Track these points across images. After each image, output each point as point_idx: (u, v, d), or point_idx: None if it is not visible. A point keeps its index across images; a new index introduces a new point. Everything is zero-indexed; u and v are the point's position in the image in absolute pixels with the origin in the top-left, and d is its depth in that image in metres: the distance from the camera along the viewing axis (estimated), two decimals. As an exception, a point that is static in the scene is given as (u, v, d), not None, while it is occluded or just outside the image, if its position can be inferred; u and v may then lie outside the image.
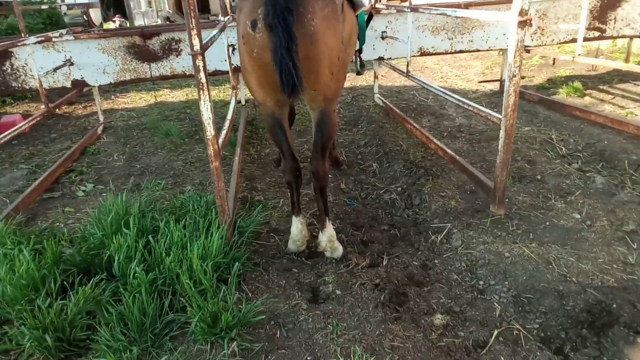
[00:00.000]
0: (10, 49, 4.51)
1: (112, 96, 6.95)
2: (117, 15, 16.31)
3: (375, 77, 5.80)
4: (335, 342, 2.12)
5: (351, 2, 2.94)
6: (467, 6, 5.20)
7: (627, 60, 5.91)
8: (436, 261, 2.78)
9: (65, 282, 2.44)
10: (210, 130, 2.51)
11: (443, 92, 3.76)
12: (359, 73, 4.17)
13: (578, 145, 4.09)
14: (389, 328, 2.19)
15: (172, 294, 2.37)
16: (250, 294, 2.46)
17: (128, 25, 14.97)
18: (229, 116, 3.47)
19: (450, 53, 5.46)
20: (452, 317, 2.28)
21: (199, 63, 2.39)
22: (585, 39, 5.39)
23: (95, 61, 4.81)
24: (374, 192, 3.72)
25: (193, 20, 2.28)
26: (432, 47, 5.29)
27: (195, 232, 2.67)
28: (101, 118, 5.40)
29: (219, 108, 5.89)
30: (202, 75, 2.41)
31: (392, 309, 2.35)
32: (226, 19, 4.51)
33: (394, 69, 5.24)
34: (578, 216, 3.02)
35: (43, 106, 4.49)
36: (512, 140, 2.88)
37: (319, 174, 2.62)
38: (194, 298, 2.24)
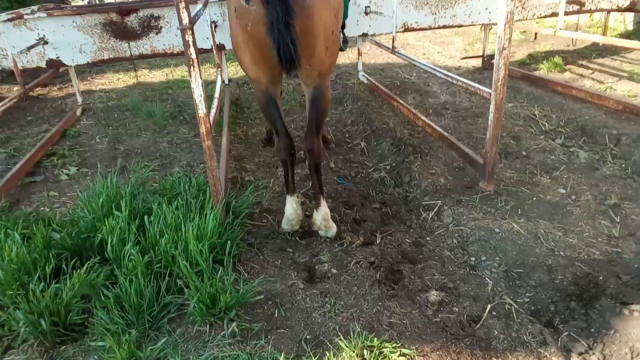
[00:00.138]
0: (-21, 28, 4.30)
1: (89, 77, 6.72)
2: (86, -9, 15.68)
3: (359, 54, 5.76)
4: (333, 320, 2.15)
5: None
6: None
7: (604, 34, 5.99)
8: (428, 238, 2.83)
9: (57, 266, 2.40)
10: (202, 108, 2.46)
11: (432, 69, 3.76)
12: (341, 49, 4.12)
13: (560, 121, 4.18)
14: (385, 305, 2.24)
15: (169, 276, 2.36)
16: (246, 275, 2.47)
17: (98, 2, 14.41)
18: (217, 94, 3.41)
19: (434, 28, 5.43)
20: (446, 293, 2.34)
21: (189, 38, 2.31)
22: (566, 13, 5.44)
23: (70, 39, 4.62)
24: (363, 171, 3.73)
25: (181, -8, 2.20)
26: (416, 23, 5.24)
27: (189, 214, 2.65)
28: (79, 100, 5.22)
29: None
30: (192, 50, 2.33)
31: (387, 287, 2.39)
32: (208, -6, 4.38)
33: (379, 45, 5.20)
34: (563, 191, 3.10)
35: (16, 88, 4.32)
36: (502, 114, 2.91)
37: (314, 150, 2.60)
38: (192, 279, 2.24)
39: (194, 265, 2.35)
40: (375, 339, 1.98)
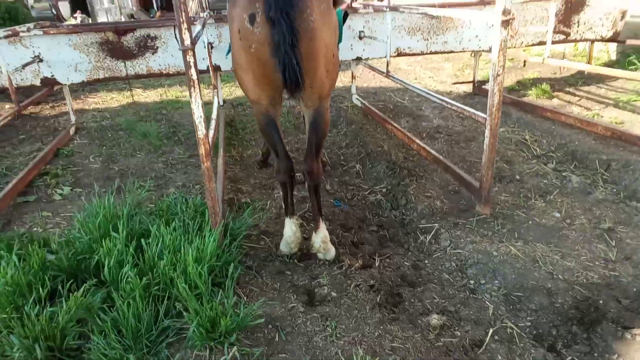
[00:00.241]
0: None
1: (82, 96, 6.70)
2: (77, 12, 15.73)
3: (353, 77, 5.84)
4: (335, 344, 2.13)
5: None
6: (441, 7, 5.31)
7: (589, 62, 6.18)
8: (426, 261, 2.84)
9: (52, 289, 2.35)
10: (201, 129, 2.45)
11: (427, 93, 3.83)
12: None
13: (551, 146, 4.26)
14: (387, 329, 2.22)
15: (167, 299, 2.31)
16: (245, 298, 2.44)
17: (91, 22, 14.50)
18: (214, 116, 3.43)
19: (426, 54, 5.55)
20: (448, 317, 2.34)
21: (190, 59, 2.33)
22: (552, 42, 5.62)
23: (66, 58, 4.62)
24: (359, 193, 3.75)
25: (183, 14, 2.22)
26: (409, 48, 5.35)
27: (186, 235, 2.62)
28: (73, 118, 5.19)
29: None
30: (193, 71, 2.34)
31: (388, 310, 2.38)
32: (204, 14, 4.43)
33: (373, 69, 5.29)
34: (558, 215, 3.15)
35: (8, 105, 4.28)
36: (497, 139, 2.97)
37: (314, 172, 2.61)
38: (191, 302, 2.20)
39: (193, 288, 2.32)
40: (378, 364, 1.96)
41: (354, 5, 5.06)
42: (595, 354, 2.03)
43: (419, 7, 4.22)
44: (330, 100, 2.70)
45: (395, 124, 4.69)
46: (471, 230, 3.00)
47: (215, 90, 4.71)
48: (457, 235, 2.96)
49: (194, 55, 2.35)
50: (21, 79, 4.60)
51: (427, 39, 5.35)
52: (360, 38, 5.16)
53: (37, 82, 4.66)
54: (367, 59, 5.40)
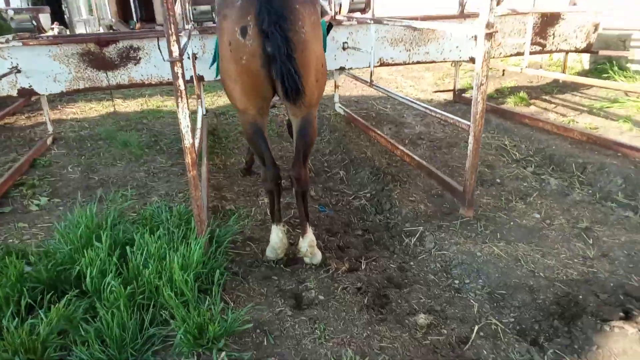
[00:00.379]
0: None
1: (59, 106, 6.61)
2: (55, 23, 15.55)
3: (336, 86, 5.91)
4: (324, 346, 2.13)
5: None
6: (423, 20, 5.42)
7: (564, 72, 6.39)
8: (412, 263, 2.86)
9: (31, 301, 2.29)
10: (188, 139, 2.46)
11: (410, 101, 3.90)
12: None
13: (530, 151, 4.37)
14: (375, 330, 2.23)
15: (152, 307, 2.28)
16: (232, 304, 2.42)
17: (68, 32, 14.32)
18: (199, 125, 3.42)
19: (408, 64, 5.65)
20: (434, 316, 2.36)
21: (178, 70, 2.34)
22: (530, 53, 5.79)
23: (45, 69, 4.56)
24: (343, 199, 3.77)
25: (172, 26, 2.24)
26: (392, 58, 5.44)
27: (172, 243, 2.60)
28: (50, 128, 5.11)
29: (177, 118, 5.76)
30: (180, 82, 2.35)
31: (376, 311, 2.39)
32: (189, 26, 4.45)
33: (357, 78, 5.36)
34: (538, 216, 3.22)
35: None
36: (480, 145, 3.03)
37: (302, 179, 2.63)
38: (178, 310, 2.17)
39: (179, 295, 2.29)
40: (367, 364, 1.96)
41: (337, 17, 5.13)
42: (576, 346, 2.08)
43: (402, 19, 4.30)
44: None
45: (379, 131, 4.75)
46: (455, 232, 3.05)
47: (199, 100, 4.70)
48: (441, 238, 3.00)
49: (182, 66, 2.36)
50: (-3, 90, 4.52)
51: (410, 50, 5.45)
52: (344, 49, 5.21)
53: (14, 93, 4.58)
54: (351, 68, 5.47)
